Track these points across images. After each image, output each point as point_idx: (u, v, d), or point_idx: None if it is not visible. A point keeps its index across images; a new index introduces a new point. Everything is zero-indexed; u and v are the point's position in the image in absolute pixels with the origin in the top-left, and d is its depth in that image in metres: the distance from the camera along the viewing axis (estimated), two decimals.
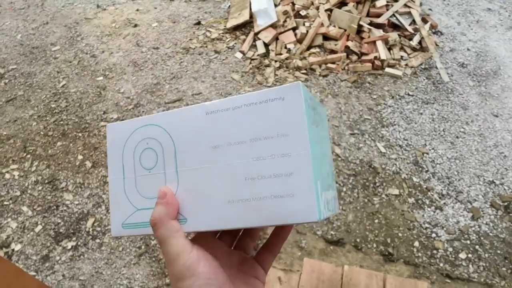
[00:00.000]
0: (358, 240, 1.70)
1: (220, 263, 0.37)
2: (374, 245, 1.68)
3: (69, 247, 1.78)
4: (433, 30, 2.73)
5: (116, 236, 0.38)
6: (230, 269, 0.40)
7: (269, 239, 0.44)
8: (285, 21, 2.71)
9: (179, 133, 0.40)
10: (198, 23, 2.99)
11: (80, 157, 2.15)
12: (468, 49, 2.62)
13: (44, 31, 3.07)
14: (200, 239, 0.39)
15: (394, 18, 2.62)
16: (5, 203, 1.96)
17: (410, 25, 2.62)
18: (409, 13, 2.67)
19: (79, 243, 1.79)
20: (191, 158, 0.39)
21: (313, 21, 2.66)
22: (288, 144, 0.35)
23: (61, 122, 2.35)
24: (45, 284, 0.91)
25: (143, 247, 1.75)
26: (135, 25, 3.05)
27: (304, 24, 2.67)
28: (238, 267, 0.41)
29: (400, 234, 1.73)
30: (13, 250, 1.78)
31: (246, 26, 2.85)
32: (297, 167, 0.34)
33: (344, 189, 1.89)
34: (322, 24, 2.63)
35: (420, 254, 1.65)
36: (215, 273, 0.35)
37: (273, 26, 2.71)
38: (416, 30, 2.61)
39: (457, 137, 2.10)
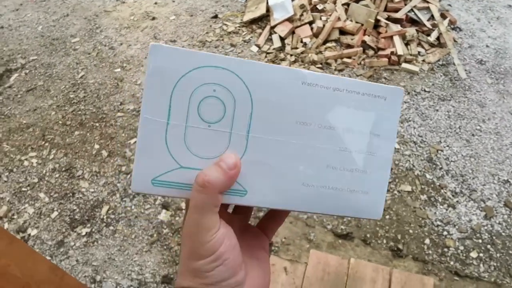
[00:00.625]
0: (368, 235, 1.69)
1: None
2: (384, 241, 1.68)
3: (84, 233, 1.83)
4: (452, 26, 2.68)
5: (136, 192, 0.31)
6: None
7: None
8: (301, 15, 2.70)
9: (262, 92, 0.34)
10: (215, 16, 3.01)
11: (96, 146, 2.19)
12: (487, 46, 2.56)
13: (64, 23, 3.14)
14: None
15: (412, 13, 2.58)
16: (23, 189, 2.02)
17: (428, 20, 2.58)
18: (428, 8, 2.63)
19: (93, 229, 1.84)
20: (270, 126, 0.34)
21: (330, 15, 2.65)
22: (377, 144, 0.35)
23: (79, 112, 2.40)
24: (57, 266, 0.94)
25: (155, 235, 1.78)
26: (153, 18, 3.08)
27: (320, 18, 2.66)
28: (241, 236, 0.37)
29: (411, 231, 1.71)
30: (29, 235, 1.84)
31: (262, 19, 2.85)
32: (377, 168, 0.35)
33: None
34: (339, 18, 2.62)
35: (430, 252, 1.64)
36: (233, 254, 0.32)
37: (290, 20, 2.70)
38: (435, 25, 2.56)
39: (473, 134, 2.06)
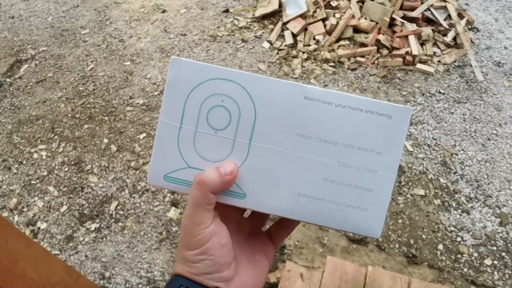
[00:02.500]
0: (380, 239, 1.67)
1: (229, 229, 0.36)
2: (397, 245, 1.65)
3: (93, 228, 1.81)
4: (469, 26, 2.63)
5: (151, 184, 0.38)
6: (238, 238, 0.39)
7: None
8: (315, 11, 2.65)
9: (265, 105, 0.36)
10: (226, 10, 2.97)
11: (105, 140, 2.17)
12: (505, 48, 2.51)
13: (74, 14, 3.11)
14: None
15: (429, 12, 2.53)
16: (33, 182, 2.01)
17: (445, 20, 2.53)
18: (445, 8, 2.58)
19: (102, 225, 1.82)
20: (271, 136, 0.36)
21: (344, 12, 2.60)
22: (378, 162, 0.35)
23: (88, 105, 2.38)
24: (70, 266, 0.93)
25: (164, 233, 1.77)
26: (164, 11, 3.04)
27: (334, 15, 2.61)
28: (247, 239, 0.40)
29: (424, 236, 1.69)
30: (39, 228, 1.83)
31: (274, 15, 2.81)
32: (379, 186, 0.35)
33: None
34: (353, 16, 2.57)
35: (443, 258, 1.61)
36: (221, 252, 0.34)
37: (302, 16, 2.66)
38: (451, 25, 2.51)
39: (488, 139, 2.03)
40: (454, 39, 2.48)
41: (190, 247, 0.34)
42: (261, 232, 0.43)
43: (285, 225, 0.42)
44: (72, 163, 2.08)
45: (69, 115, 2.34)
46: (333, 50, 2.51)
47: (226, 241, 0.35)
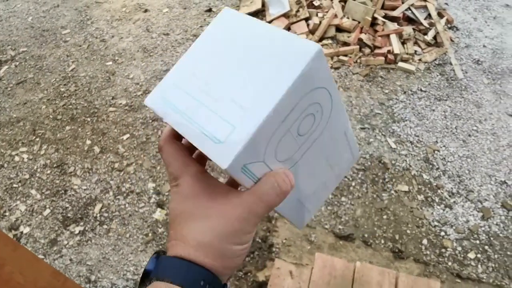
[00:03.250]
0: (366, 235, 1.69)
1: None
2: (383, 241, 1.67)
3: (77, 231, 1.78)
4: (449, 25, 2.68)
5: (226, 168, 0.31)
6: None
7: None
8: (297, 10, 2.67)
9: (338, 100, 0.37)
10: (209, 10, 2.96)
11: (88, 142, 2.14)
12: (484, 46, 2.57)
13: (54, 14, 3.05)
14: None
15: (410, 11, 2.57)
16: (14, 185, 1.96)
17: (425, 19, 2.58)
18: (425, 7, 2.62)
19: (86, 228, 1.79)
20: (318, 156, 0.40)
21: (327, 11, 2.62)
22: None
23: (70, 106, 2.34)
24: (58, 270, 0.91)
25: (150, 234, 1.75)
26: (146, 10, 3.02)
27: (317, 15, 2.63)
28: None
29: (408, 231, 1.71)
30: (21, 232, 1.79)
31: (258, 14, 2.81)
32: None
33: (353, 183, 1.88)
34: (335, 15, 2.59)
35: (428, 252, 1.64)
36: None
37: (286, 15, 2.67)
38: (432, 24, 2.56)
39: (469, 135, 2.07)
40: (435, 38, 2.53)
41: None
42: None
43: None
44: (55, 165, 2.04)
45: (51, 116, 2.29)
46: None
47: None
